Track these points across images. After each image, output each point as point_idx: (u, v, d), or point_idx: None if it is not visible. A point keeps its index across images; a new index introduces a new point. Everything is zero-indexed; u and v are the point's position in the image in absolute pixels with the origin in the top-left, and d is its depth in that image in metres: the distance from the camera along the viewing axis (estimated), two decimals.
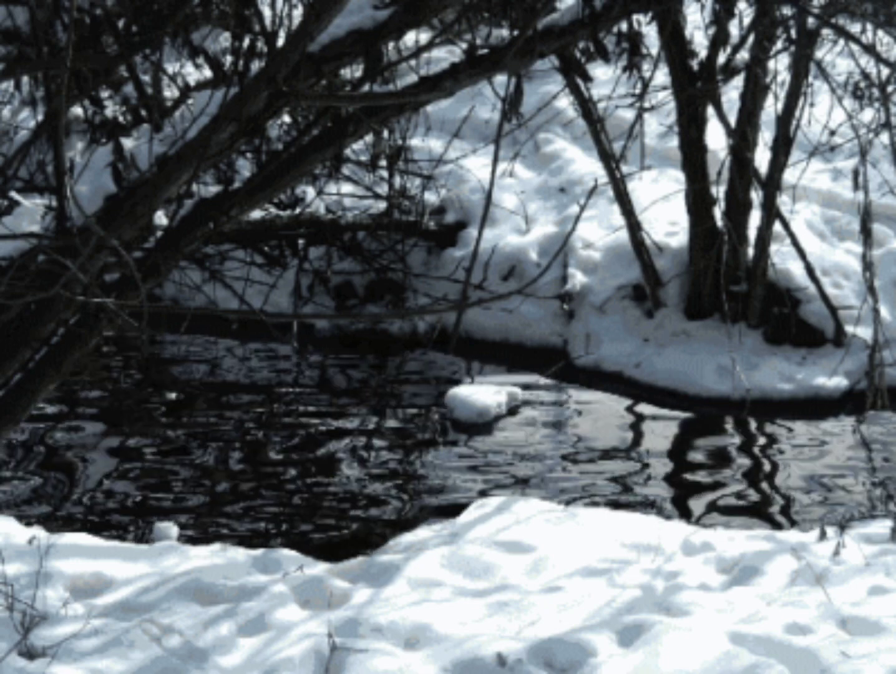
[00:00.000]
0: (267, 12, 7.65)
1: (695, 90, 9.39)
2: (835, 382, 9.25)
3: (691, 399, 9.27)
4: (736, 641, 5.09)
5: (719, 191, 9.71)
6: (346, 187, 11.01)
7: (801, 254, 9.59)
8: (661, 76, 9.55)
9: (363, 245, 10.77)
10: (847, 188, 10.31)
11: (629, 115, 10.19)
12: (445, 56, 11.06)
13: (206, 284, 9.81)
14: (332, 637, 5.08)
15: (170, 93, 10.82)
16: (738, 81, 9.79)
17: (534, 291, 7.93)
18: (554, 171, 11.63)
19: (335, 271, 10.73)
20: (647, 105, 9.50)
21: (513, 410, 9.15)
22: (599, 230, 10.63)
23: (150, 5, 6.99)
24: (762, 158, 9.65)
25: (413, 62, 9.37)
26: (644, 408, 9.29)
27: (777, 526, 7.41)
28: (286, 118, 9.24)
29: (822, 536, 6.30)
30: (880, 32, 8.21)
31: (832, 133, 9.51)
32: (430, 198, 10.97)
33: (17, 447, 8.41)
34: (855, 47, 8.19)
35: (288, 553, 6.18)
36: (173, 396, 9.40)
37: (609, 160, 9.72)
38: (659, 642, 5.03)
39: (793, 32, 8.93)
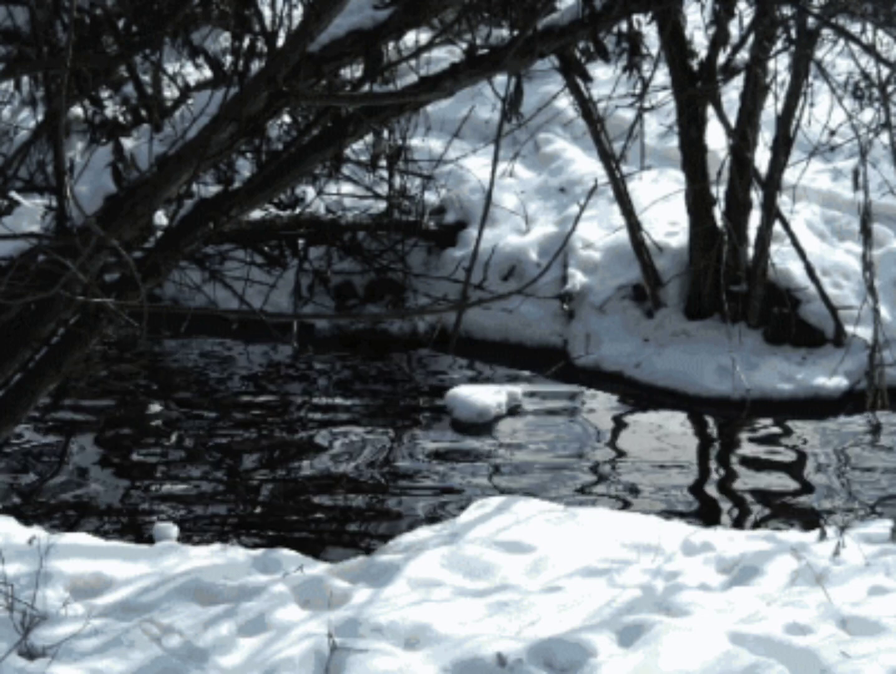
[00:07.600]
0: (267, 12, 7.64)
1: (695, 90, 9.39)
2: (835, 382, 9.25)
3: (691, 399, 9.27)
4: (736, 641, 5.09)
5: (719, 191, 9.71)
6: (346, 187, 11.01)
7: (801, 254, 9.59)
8: (661, 76, 9.55)
9: (363, 245, 10.77)
10: (847, 188, 10.31)
11: (629, 115, 10.19)
12: (445, 56, 11.06)
13: (206, 284, 9.81)
14: (332, 637, 5.08)
15: (170, 93, 10.81)
16: (738, 81, 9.79)
17: (534, 291, 7.91)
18: (554, 171, 11.63)
19: (335, 271, 10.73)
20: (647, 105, 9.49)
21: (513, 410, 9.14)
22: (599, 230, 10.63)
23: (150, 5, 6.98)
24: (762, 158, 9.65)
25: (413, 62, 9.35)
26: (644, 408, 9.29)
27: (777, 526, 7.41)
28: (286, 118, 9.24)
29: (822, 536, 6.30)
30: (880, 32, 8.21)
31: (832, 133, 9.51)
32: (430, 198, 10.96)
33: (16, 447, 8.41)
34: (855, 47, 8.19)
35: (288, 553, 6.18)
36: (173, 396, 9.40)
37: (609, 160, 9.72)
38: (659, 642, 5.03)
39: (793, 32, 8.93)
